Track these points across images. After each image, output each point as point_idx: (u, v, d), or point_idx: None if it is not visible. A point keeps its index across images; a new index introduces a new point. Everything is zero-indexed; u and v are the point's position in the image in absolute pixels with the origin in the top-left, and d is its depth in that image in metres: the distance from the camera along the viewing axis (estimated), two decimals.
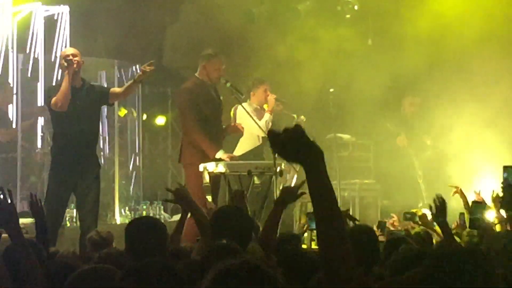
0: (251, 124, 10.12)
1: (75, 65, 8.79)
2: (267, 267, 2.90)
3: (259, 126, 10.00)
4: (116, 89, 9.42)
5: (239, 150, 10.34)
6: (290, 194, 5.96)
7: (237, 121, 10.31)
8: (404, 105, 12.34)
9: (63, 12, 11.95)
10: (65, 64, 8.79)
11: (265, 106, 10.70)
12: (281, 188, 7.72)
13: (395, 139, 12.17)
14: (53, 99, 8.75)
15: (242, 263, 2.87)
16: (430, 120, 11.98)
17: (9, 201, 4.64)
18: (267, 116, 10.42)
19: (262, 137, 10.30)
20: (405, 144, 12.05)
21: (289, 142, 3.00)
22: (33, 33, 11.66)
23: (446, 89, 11.81)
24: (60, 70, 9.31)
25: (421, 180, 11.92)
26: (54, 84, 9.25)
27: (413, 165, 11.98)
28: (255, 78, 10.91)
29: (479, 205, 6.56)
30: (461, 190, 8.50)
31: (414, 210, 8.21)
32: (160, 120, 13.93)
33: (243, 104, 10.14)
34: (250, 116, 10.02)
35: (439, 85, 11.99)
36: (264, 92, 10.61)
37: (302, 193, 5.73)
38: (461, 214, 8.14)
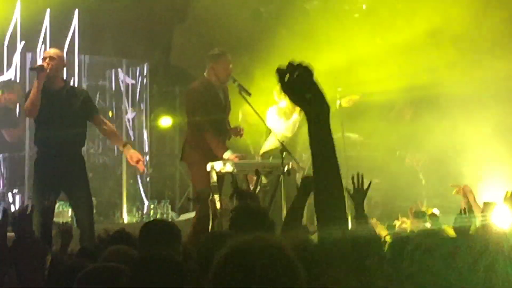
0: (280, 123, 10.39)
1: (48, 70, 8.57)
2: (283, 245, 2.76)
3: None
4: (102, 120, 9.13)
5: (268, 146, 10.44)
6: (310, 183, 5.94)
7: (268, 122, 10.32)
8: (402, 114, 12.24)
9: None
10: (35, 67, 8.70)
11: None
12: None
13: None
14: (25, 107, 8.65)
15: (257, 239, 2.74)
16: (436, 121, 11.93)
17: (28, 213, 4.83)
18: (295, 116, 10.51)
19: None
20: (414, 163, 11.96)
21: (298, 81, 2.86)
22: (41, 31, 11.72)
23: (457, 89, 11.78)
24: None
25: (425, 180, 11.90)
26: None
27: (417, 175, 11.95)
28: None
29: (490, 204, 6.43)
30: (464, 188, 8.32)
31: (424, 209, 8.16)
32: (166, 121, 13.83)
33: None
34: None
35: (450, 86, 11.95)
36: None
37: None
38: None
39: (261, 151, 10.48)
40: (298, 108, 10.24)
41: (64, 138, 8.62)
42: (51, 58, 8.67)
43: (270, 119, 10.46)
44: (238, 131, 9.84)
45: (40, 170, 8.72)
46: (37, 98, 8.51)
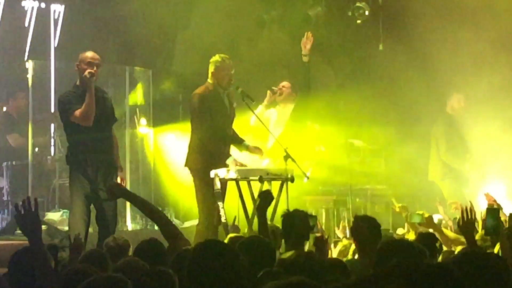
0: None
1: (95, 77, 8.59)
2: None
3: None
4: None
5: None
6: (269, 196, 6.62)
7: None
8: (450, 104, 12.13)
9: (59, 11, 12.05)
10: (87, 75, 8.52)
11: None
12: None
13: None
14: (77, 113, 8.48)
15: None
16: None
17: (34, 210, 4.73)
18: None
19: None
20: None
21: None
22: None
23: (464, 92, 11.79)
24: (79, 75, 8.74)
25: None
26: (68, 91, 8.79)
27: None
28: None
29: (493, 210, 6.40)
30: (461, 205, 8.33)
31: (420, 212, 8.06)
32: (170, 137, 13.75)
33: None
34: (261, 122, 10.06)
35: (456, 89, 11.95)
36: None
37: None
38: (455, 218, 8.12)
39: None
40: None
41: (100, 141, 8.64)
42: (98, 65, 8.64)
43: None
44: (259, 151, 9.80)
45: (80, 174, 8.59)
46: (93, 106, 8.49)
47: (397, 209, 8.55)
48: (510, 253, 5.55)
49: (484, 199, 8.59)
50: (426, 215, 7.88)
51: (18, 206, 4.74)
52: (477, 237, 7.29)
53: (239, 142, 9.70)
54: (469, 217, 5.82)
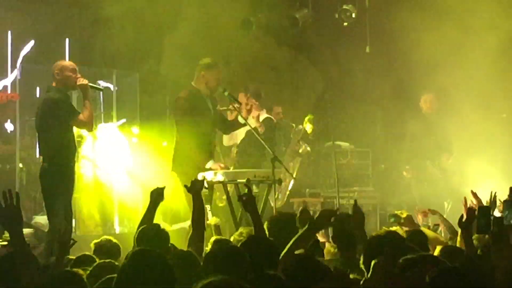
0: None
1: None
2: None
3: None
4: None
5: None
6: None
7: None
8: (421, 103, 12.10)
9: None
10: (85, 82, 8.82)
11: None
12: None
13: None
14: (82, 117, 8.73)
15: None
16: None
17: (15, 203, 4.72)
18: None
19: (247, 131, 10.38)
20: (410, 176, 11.85)
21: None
22: None
23: (445, 96, 11.82)
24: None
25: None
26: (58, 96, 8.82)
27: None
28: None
29: (485, 208, 6.35)
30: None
31: (398, 212, 7.97)
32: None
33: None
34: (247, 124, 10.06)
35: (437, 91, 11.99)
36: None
37: None
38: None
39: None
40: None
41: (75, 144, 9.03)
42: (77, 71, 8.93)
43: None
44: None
45: (66, 175, 8.81)
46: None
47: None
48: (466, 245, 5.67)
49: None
50: (405, 214, 7.80)
51: None
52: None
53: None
54: (471, 216, 5.86)
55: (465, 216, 5.98)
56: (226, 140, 11.45)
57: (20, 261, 4.67)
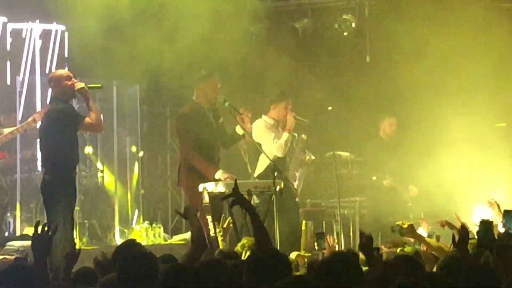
0: (269, 141, 10.13)
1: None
2: None
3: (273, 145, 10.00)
4: None
5: (260, 168, 10.26)
6: None
7: (254, 137, 10.16)
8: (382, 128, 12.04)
9: (58, 30, 12.05)
10: (85, 86, 8.78)
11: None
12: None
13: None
14: (89, 120, 8.70)
15: None
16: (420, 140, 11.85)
17: (50, 234, 5.11)
18: (285, 136, 10.22)
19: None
20: (393, 185, 11.78)
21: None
22: (28, 51, 11.77)
23: (439, 105, 11.80)
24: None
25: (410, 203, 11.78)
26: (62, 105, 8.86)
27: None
28: (279, 92, 10.75)
29: (486, 222, 6.29)
30: (446, 221, 8.23)
31: (399, 223, 7.81)
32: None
33: (263, 117, 10.22)
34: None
35: (431, 102, 11.97)
36: (284, 108, 10.40)
37: None
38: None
39: (256, 174, 10.29)
40: (285, 126, 10.22)
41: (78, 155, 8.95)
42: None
43: (258, 134, 10.30)
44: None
45: (69, 187, 8.75)
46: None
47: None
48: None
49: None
50: (406, 224, 7.73)
51: (37, 226, 5.06)
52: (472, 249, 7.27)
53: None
54: (464, 234, 5.79)
55: (457, 237, 5.88)
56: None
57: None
